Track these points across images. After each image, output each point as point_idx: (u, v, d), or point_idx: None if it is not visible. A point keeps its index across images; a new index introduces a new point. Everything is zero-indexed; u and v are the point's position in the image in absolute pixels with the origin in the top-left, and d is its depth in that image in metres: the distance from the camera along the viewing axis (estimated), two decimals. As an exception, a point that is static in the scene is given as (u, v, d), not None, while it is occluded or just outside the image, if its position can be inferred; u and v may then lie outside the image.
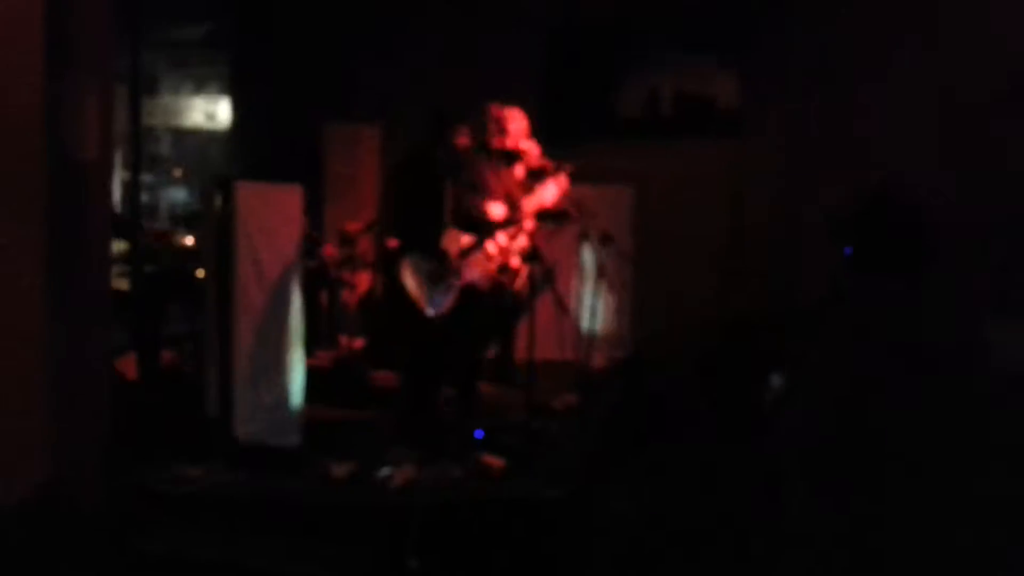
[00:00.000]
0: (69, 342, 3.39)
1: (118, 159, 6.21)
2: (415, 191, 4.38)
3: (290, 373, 4.21)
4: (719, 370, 5.82)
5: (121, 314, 4.81)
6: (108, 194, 3.88)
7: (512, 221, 4.94)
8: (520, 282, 5.41)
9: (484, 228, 4.71)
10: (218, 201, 4.05)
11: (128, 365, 4.73)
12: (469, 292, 4.50)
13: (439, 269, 4.33)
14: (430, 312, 4.31)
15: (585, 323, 5.57)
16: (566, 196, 5.09)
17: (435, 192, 4.45)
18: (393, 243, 4.86)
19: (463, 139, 4.51)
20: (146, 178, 7.19)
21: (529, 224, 5.08)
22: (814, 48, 6.67)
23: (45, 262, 3.26)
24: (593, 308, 5.48)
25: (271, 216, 4.09)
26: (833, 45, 6.58)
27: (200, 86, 7.26)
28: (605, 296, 6.19)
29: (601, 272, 5.35)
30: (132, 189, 6.00)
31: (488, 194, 4.99)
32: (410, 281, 4.30)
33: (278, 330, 4.15)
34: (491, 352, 5.75)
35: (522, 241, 5.36)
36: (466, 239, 4.45)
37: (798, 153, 6.72)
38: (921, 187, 3.60)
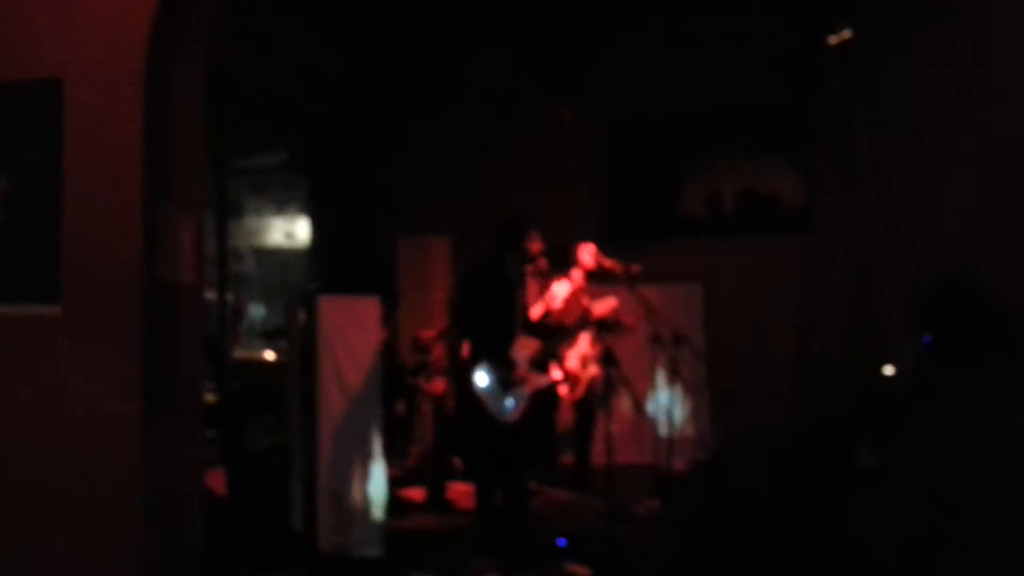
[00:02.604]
0: (163, 458, 3.50)
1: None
2: (486, 298, 4.47)
3: (372, 484, 4.25)
4: (799, 470, 5.63)
5: (209, 429, 4.97)
6: (201, 314, 4.07)
7: (580, 327, 5.02)
8: (593, 387, 5.43)
9: (553, 335, 4.79)
10: (301, 316, 4.21)
11: (216, 479, 4.84)
12: (540, 398, 4.52)
13: (509, 376, 4.36)
14: (502, 419, 4.32)
15: (663, 425, 5.50)
16: (637, 298, 5.15)
17: (506, 299, 4.53)
18: (466, 350, 4.93)
19: (535, 245, 4.62)
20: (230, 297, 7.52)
21: (590, 331, 5.16)
22: (875, 141, 6.72)
23: (142, 380, 3.41)
24: (670, 410, 5.42)
25: (351, 328, 4.23)
26: (893, 138, 6.61)
27: (280, 208, 7.66)
28: (682, 397, 6.14)
29: (675, 372, 5.32)
30: (218, 308, 6.27)
31: (555, 301, 5.11)
32: (482, 388, 4.33)
33: (360, 441, 4.22)
34: (569, 459, 5.71)
35: (583, 348, 5.42)
36: (535, 346, 4.50)
37: (864, 247, 6.67)
38: (994, 277, 3.54)
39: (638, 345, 5.62)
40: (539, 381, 4.45)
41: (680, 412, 6.01)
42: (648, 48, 7.24)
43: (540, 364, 4.57)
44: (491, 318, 4.39)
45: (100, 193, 3.47)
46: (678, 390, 5.65)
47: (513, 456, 4.41)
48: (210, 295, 6.59)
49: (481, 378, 4.31)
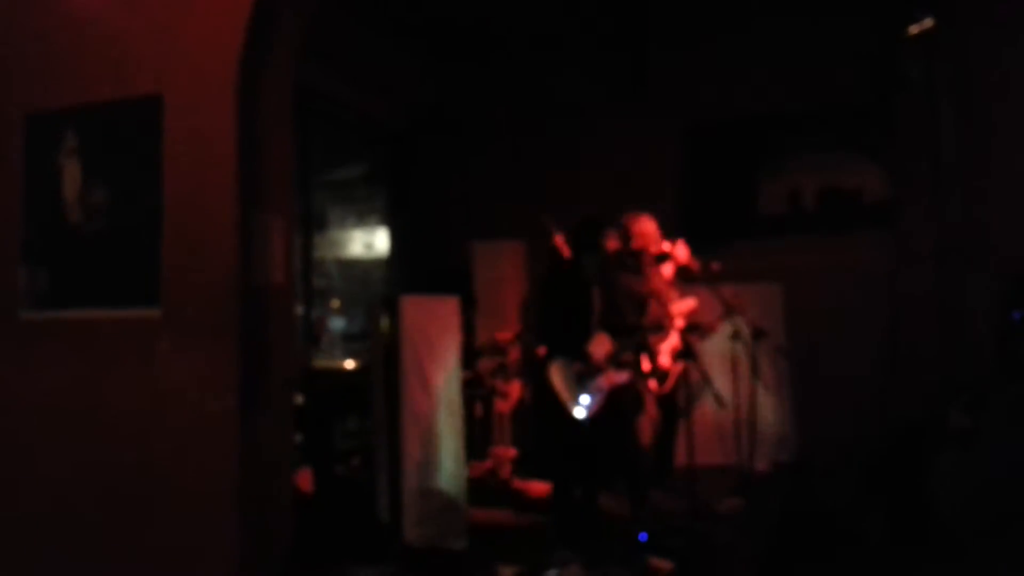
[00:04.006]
0: (258, 456, 3.65)
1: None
2: (563, 297, 4.53)
3: (455, 478, 4.34)
4: (887, 473, 5.48)
5: (296, 431, 5.15)
6: (292, 314, 4.24)
7: (660, 326, 5.01)
8: (672, 383, 5.40)
9: (631, 332, 4.79)
10: (384, 317, 4.34)
11: (304, 478, 5.01)
12: (618, 394, 4.53)
13: (586, 372, 4.40)
14: (579, 414, 4.36)
15: (745, 425, 5.43)
16: (717, 296, 5.13)
17: (583, 297, 4.58)
18: (542, 350, 4.99)
19: (612, 243, 4.65)
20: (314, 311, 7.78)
21: (679, 324, 5.13)
22: (961, 134, 6.53)
23: (238, 380, 3.58)
24: (752, 408, 5.36)
25: (432, 327, 4.35)
26: (979, 130, 6.42)
27: (360, 219, 7.88)
28: (764, 396, 6.05)
29: (756, 369, 5.26)
30: (304, 318, 6.50)
31: (635, 298, 5.10)
32: (558, 384, 4.39)
33: (442, 437, 4.31)
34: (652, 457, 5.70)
35: (673, 342, 5.39)
36: (613, 343, 4.52)
37: (948, 243, 6.47)
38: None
39: (719, 344, 5.59)
40: (616, 378, 4.47)
41: (762, 411, 5.93)
42: (723, 48, 7.20)
43: (619, 362, 4.59)
44: (568, 316, 4.45)
45: (196, 201, 3.66)
46: (760, 389, 5.59)
47: (590, 452, 4.45)
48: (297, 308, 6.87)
49: (556, 375, 4.35)
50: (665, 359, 5.28)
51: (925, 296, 6.50)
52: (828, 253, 6.84)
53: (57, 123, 3.85)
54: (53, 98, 3.87)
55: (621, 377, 4.49)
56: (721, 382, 5.39)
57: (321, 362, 6.59)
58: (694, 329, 4.92)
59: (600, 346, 4.48)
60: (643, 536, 4.19)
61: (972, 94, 6.45)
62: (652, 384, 5.30)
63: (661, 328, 4.90)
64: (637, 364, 4.69)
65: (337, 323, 8.02)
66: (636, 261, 4.81)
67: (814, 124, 7.19)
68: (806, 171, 7.32)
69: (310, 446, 5.30)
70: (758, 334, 5.19)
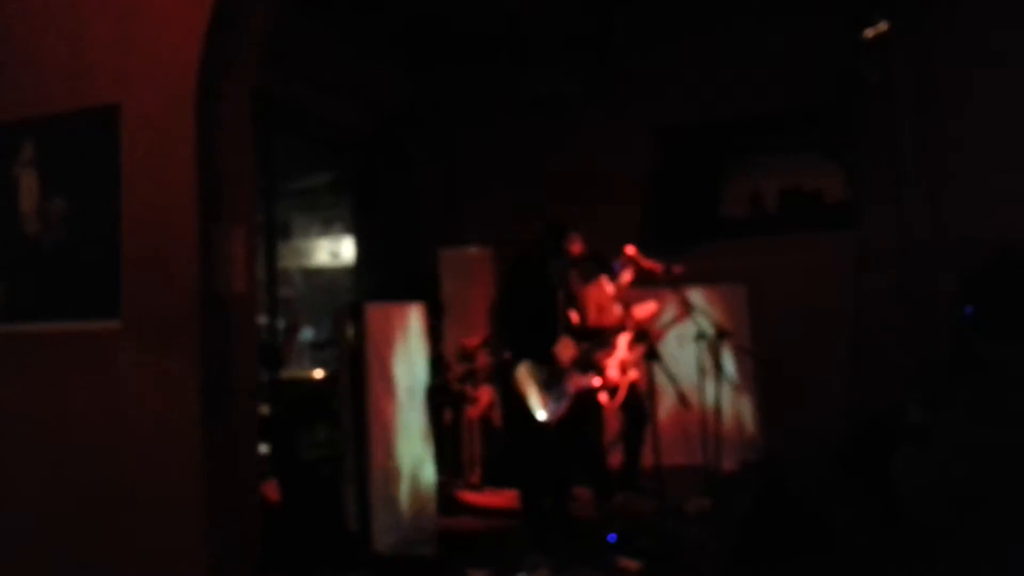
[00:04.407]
0: (222, 465, 3.62)
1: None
2: (527, 300, 4.54)
3: (423, 486, 4.33)
4: (855, 465, 5.56)
5: (262, 440, 5.11)
6: (255, 326, 4.20)
7: (620, 328, 5.06)
8: (636, 389, 5.45)
9: (594, 336, 4.84)
10: (349, 325, 4.32)
11: (271, 488, 4.96)
12: (582, 398, 4.57)
13: (552, 376, 4.42)
14: (544, 418, 4.37)
15: (710, 424, 5.48)
16: (680, 298, 5.20)
17: (547, 301, 4.60)
18: (508, 355, 5.00)
19: (575, 247, 4.69)
20: (280, 322, 7.73)
21: (627, 336, 5.21)
22: (918, 134, 6.68)
23: (200, 390, 3.54)
24: (717, 407, 5.41)
25: (397, 334, 4.34)
26: (937, 130, 6.57)
27: (325, 228, 7.84)
28: (731, 396, 6.12)
29: (721, 369, 5.32)
30: (270, 328, 6.45)
31: (596, 302, 5.16)
32: (524, 388, 4.40)
33: (410, 444, 4.30)
34: (618, 459, 5.73)
35: (621, 355, 5.45)
36: (576, 347, 4.55)
37: (909, 241, 6.61)
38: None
39: (684, 344, 5.65)
40: (581, 382, 4.50)
41: (728, 411, 5.99)
42: (689, 49, 7.29)
43: (582, 366, 4.62)
44: (533, 319, 4.47)
45: (156, 211, 3.62)
46: (725, 389, 5.65)
47: (556, 457, 4.47)
48: (262, 318, 6.81)
49: (522, 378, 4.37)
50: (613, 372, 5.33)
51: (887, 294, 6.62)
52: (791, 254, 6.94)
53: (14, 134, 3.79)
54: (10, 108, 3.81)
55: (586, 381, 4.53)
56: (686, 383, 5.45)
57: (289, 372, 6.56)
58: (642, 338, 4.96)
59: (566, 350, 4.51)
60: (612, 537, 4.21)
61: (930, 96, 6.61)
62: (603, 398, 5.36)
63: (607, 340, 4.95)
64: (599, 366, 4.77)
65: (304, 333, 7.97)
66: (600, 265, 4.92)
67: (776, 126, 7.31)
68: (768, 173, 7.43)
69: (277, 456, 5.26)
70: (722, 334, 5.25)
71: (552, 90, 7.36)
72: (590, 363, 4.72)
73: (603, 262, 5.21)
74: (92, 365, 3.65)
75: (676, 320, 5.49)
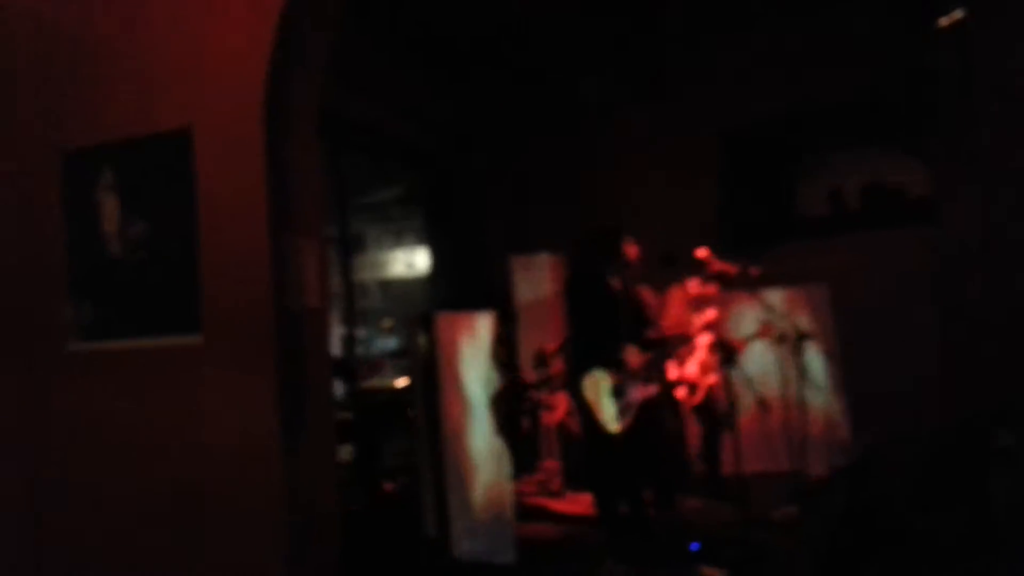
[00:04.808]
0: (301, 475, 3.67)
1: (335, 314, 6.81)
2: (587, 309, 4.47)
3: (500, 492, 4.30)
4: (947, 469, 5.29)
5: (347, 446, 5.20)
6: (327, 338, 4.27)
7: (686, 337, 4.93)
8: (714, 394, 5.32)
9: (660, 344, 4.72)
10: (421, 335, 4.34)
11: (354, 494, 5.03)
12: (651, 406, 4.46)
13: (619, 384, 4.34)
14: (612, 428, 4.29)
15: (795, 430, 5.30)
16: (758, 300, 5.05)
17: (608, 308, 4.52)
18: (572, 363, 4.93)
19: (632, 251, 4.60)
20: (360, 331, 7.87)
21: (707, 339, 5.07)
22: (1000, 125, 6.33)
23: (277, 402, 3.60)
24: (802, 412, 5.23)
25: (467, 342, 4.33)
26: (1013, 121, 6.22)
27: (399, 239, 7.95)
28: (818, 400, 5.91)
29: (804, 372, 5.14)
30: (347, 339, 6.56)
31: (661, 309, 5.04)
32: (591, 397, 4.32)
33: (485, 451, 4.28)
34: (700, 467, 5.60)
35: (701, 356, 5.32)
36: (641, 356, 4.45)
37: (994, 236, 6.26)
38: None
39: (763, 349, 5.48)
40: (647, 391, 4.41)
41: (815, 415, 5.78)
42: (754, 47, 7.12)
43: (648, 375, 4.52)
44: (596, 327, 4.39)
45: (229, 228, 3.71)
46: (809, 392, 5.45)
47: (626, 465, 4.38)
48: (340, 329, 6.94)
49: (589, 388, 4.30)
50: (692, 369, 5.21)
51: (977, 296, 6.29)
52: (875, 252, 6.67)
53: (94, 160, 3.95)
54: (89, 135, 3.97)
55: (650, 390, 4.43)
56: (770, 387, 5.29)
57: (372, 382, 6.66)
58: (723, 347, 4.81)
59: (632, 358, 4.42)
60: (695, 546, 4.10)
61: (1009, 85, 6.26)
62: (681, 393, 5.23)
63: (674, 349, 4.84)
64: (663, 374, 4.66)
65: (386, 343, 8.09)
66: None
67: (853, 120, 7.04)
68: (847, 169, 7.16)
69: (359, 463, 5.34)
70: (803, 336, 5.07)
71: (605, 96, 7.28)
72: (656, 372, 4.62)
73: (673, 261, 5.07)
74: (175, 379, 3.75)
75: (759, 335, 5.31)
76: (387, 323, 8.07)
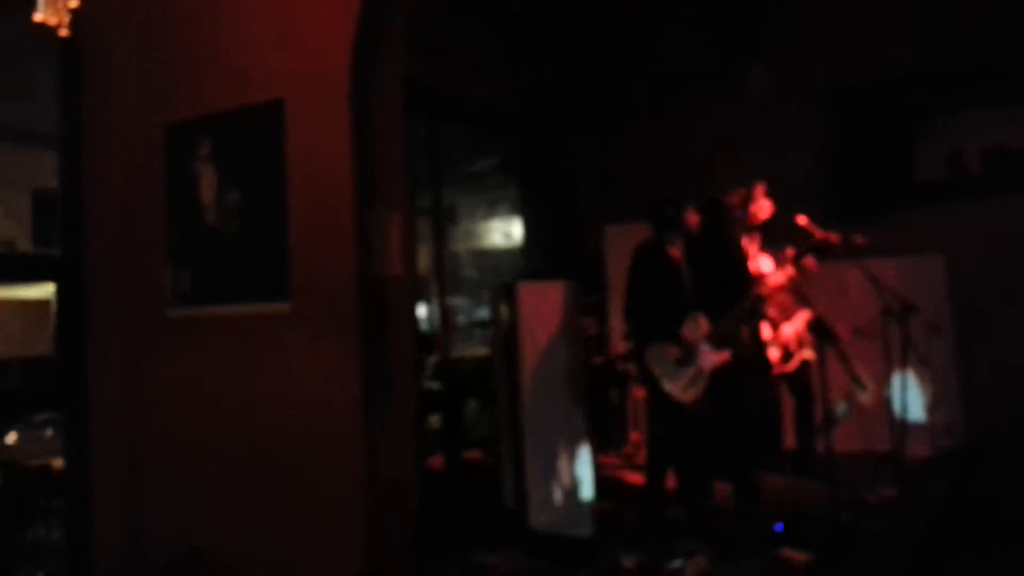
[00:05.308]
0: (381, 441, 3.76)
1: (433, 283, 6.89)
2: (648, 280, 4.35)
3: (580, 465, 4.29)
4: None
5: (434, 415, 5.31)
6: (411, 306, 4.34)
7: (753, 299, 4.70)
8: (809, 369, 5.10)
9: (738, 303, 4.53)
10: (503, 305, 4.35)
11: (437, 462, 5.14)
12: (725, 373, 4.31)
13: (683, 356, 4.22)
14: (683, 397, 4.18)
15: (897, 408, 5.04)
16: (863, 271, 4.80)
17: (670, 278, 4.39)
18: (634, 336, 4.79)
19: (692, 219, 4.45)
20: (459, 301, 7.97)
21: (807, 315, 4.86)
22: None
23: (361, 369, 3.70)
24: (904, 391, 4.96)
25: (549, 311, 4.31)
26: None
27: (492, 210, 7.97)
28: (920, 377, 5.59)
29: (907, 348, 4.86)
30: (441, 309, 6.65)
31: (729, 272, 4.82)
32: (656, 370, 4.22)
33: (565, 423, 4.27)
34: (791, 443, 5.42)
35: (798, 327, 5.09)
36: (707, 325, 4.31)
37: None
38: None
39: (868, 322, 5.21)
40: (715, 359, 4.26)
41: (919, 394, 5.48)
42: (862, 2, 6.70)
43: (718, 340, 4.35)
44: (658, 298, 4.28)
45: (317, 199, 3.82)
46: (915, 369, 5.17)
47: (694, 439, 4.27)
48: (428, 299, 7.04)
49: (652, 360, 4.20)
50: (789, 333, 5.01)
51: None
52: (997, 220, 6.20)
53: (192, 131, 4.12)
54: (187, 108, 4.15)
55: (722, 356, 4.27)
56: (871, 364, 5.04)
57: (461, 351, 6.75)
58: (819, 329, 4.56)
59: (696, 329, 4.28)
60: (779, 527, 3.98)
61: None
62: (773, 355, 5.01)
63: (753, 302, 4.64)
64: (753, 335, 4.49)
65: (481, 311, 8.17)
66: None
67: (975, 77, 6.53)
68: (969, 131, 6.67)
69: (445, 431, 5.43)
70: (908, 310, 4.78)
71: (694, 61, 7.01)
72: (735, 336, 4.45)
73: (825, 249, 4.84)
74: (266, 344, 3.92)
75: (864, 333, 5.03)
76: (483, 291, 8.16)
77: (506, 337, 4.30)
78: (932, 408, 5.70)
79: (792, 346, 5.14)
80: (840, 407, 4.40)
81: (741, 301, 4.45)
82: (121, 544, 4.34)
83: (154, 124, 4.26)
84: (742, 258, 4.83)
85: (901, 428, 4.95)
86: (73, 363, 4.36)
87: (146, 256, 4.25)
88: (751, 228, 5.01)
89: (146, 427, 4.26)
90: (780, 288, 4.71)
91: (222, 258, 4.04)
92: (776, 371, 5.12)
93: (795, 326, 5.09)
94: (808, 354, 5.10)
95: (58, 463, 4.54)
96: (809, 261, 4.83)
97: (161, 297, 4.19)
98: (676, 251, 4.42)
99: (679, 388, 4.16)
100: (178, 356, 4.13)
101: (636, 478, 5.10)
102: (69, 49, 4.31)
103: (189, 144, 4.12)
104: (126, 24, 4.39)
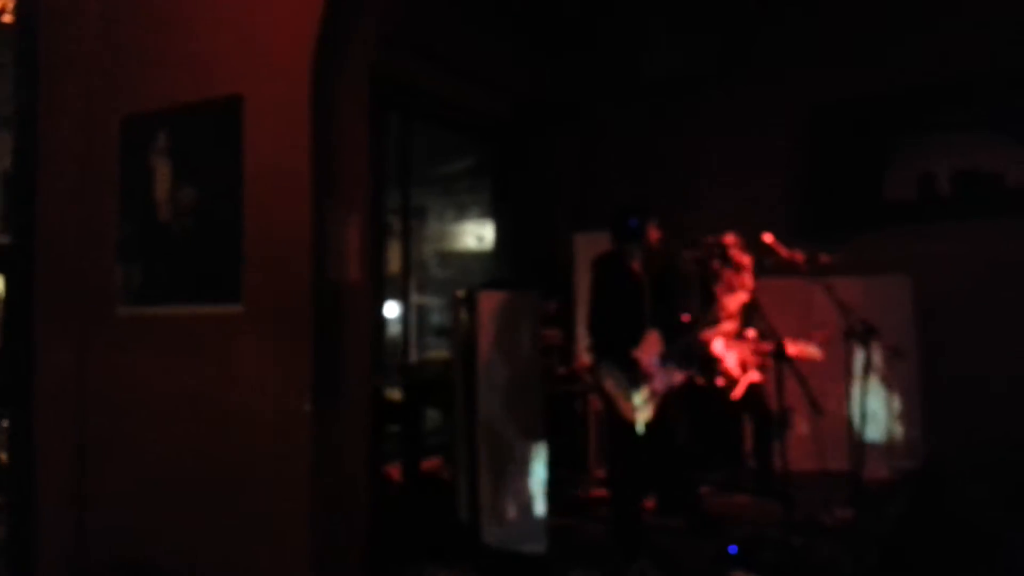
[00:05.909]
0: (331, 450, 3.67)
1: (398, 285, 6.80)
2: (606, 295, 4.30)
3: (536, 479, 4.23)
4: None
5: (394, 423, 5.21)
6: (369, 311, 4.25)
7: (711, 321, 4.69)
8: (760, 390, 5.08)
9: (683, 330, 4.51)
10: (463, 312, 4.28)
11: (395, 471, 5.04)
12: (672, 397, 4.27)
13: (637, 374, 4.16)
14: (635, 417, 4.13)
15: (856, 429, 5.02)
16: (825, 291, 4.78)
17: (628, 293, 4.34)
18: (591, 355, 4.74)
19: (654, 234, 4.41)
20: (431, 300, 7.85)
21: (730, 326, 4.84)
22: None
23: (312, 375, 3.60)
24: (863, 412, 4.94)
25: (512, 322, 4.24)
26: None
27: (463, 212, 7.89)
28: (882, 398, 5.59)
29: (867, 370, 4.84)
30: (403, 311, 6.57)
31: (690, 294, 4.81)
32: (610, 388, 4.16)
33: (522, 435, 4.20)
34: (753, 463, 5.39)
35: (749, 353, 5.07)
36: (660, 343, 4.26)
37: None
38: None
39: (831, 344, 5.19)
40: (670, 379, 4.22)
41: (879, 415, 5.48)
42: (841, 20, 6.70)
43: (677, 360, 4.31)
44: (617, 311, 4.22)
45: (274, 199, 3.71)
46: (875, 390, 5.16)
47: (646, 458, 4.22)
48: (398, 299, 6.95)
49: (606, 378, 4.15)
50: (731, 362, 4.98)
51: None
52: (965, 242, 6.22)
53: (149, 124, 4.01)
54: (145, 101, 4.03)
55: (676, 378, 4.23)
56: (831, 382, 5.02)
57: (422, 355, 6.66)
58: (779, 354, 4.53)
59: (650, 346, 4.23)
60: (732, 548, 3.94)
61: None
62: (721, 383, 4.99)
63: (712, 323, 4.62)
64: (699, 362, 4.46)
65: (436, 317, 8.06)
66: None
67: (950, 100, 6.54)
68: (940, 153, 6.68)
69: (403, 438, 5.33)
70: (869, 332, 4.76)
71: (675, 71, 6.99)
72: (687, 357, 4.41)
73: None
74: (216, 346, 3.81)
75: (817, 341, 5.02)
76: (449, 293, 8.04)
77: (465, 346, 4.22)
78: (892, 429, 5.70)
79: (735, 373, 5.10)
80: None
81: (682, 339, 4.42)
82: (66, 544, 4.21)
83: (111, 114, 4.13)
84: (677, 299, 4.78)
85: (860, 448, 4.93)
86: (19, 357, 4.24)
87: (96, 251, 4.13)
88: (738, 267, 4.99)
89: (94, 426, 4.14)
90: (737, 313, 4.70)
91: (174, 256, 3.92)
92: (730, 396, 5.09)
93: (736, 353, 5.06)
94: (754, 376, 5.08)
95: (2, 457, 4.42)
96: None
97: (111, 294, 4.06)
98: (636, 264, 4.37)
99: (630, 409, 4.10)
100: (126, 355, 4.01)
101: (598, 492, 5.05)
102: (25, 33, 4.18)
103: (145, 137, 4.00)
104: (87, 10, 4.26)
